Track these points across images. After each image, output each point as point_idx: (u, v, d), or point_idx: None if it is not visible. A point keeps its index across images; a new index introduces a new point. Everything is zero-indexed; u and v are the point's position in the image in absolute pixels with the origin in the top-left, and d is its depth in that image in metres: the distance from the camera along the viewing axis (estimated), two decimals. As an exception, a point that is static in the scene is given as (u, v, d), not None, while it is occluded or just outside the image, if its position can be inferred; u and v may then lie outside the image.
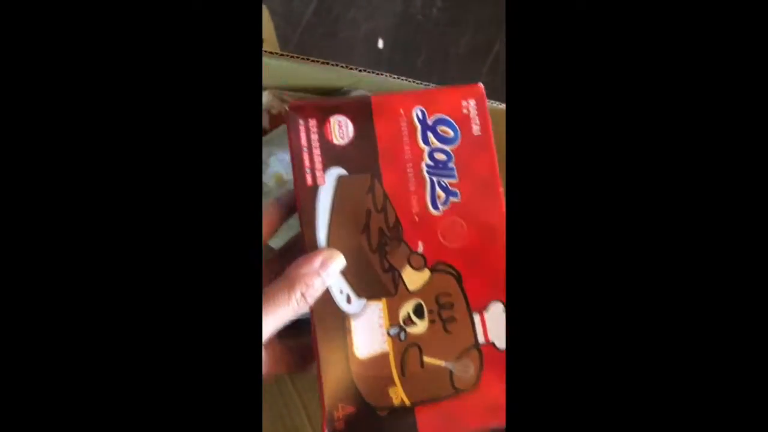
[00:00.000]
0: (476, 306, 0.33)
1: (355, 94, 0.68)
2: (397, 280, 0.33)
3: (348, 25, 0.87)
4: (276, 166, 0.63)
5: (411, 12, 0.94)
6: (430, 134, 0.33)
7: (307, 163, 0.33)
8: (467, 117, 0.33)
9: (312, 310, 0.32)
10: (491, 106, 0.59)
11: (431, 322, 0.33)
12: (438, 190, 0.33)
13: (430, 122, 0.33)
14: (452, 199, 0.33)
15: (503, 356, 0.32)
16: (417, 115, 0.33)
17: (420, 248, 0.33)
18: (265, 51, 0.47)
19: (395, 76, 0.53)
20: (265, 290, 0.31)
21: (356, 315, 0.32)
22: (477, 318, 0.33)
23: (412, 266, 0.33)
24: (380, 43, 0.91)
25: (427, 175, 0.33)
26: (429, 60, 0.96)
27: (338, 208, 0.33)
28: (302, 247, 0.33)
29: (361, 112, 0.33)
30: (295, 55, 0.49)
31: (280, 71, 0.58)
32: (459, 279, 0.33)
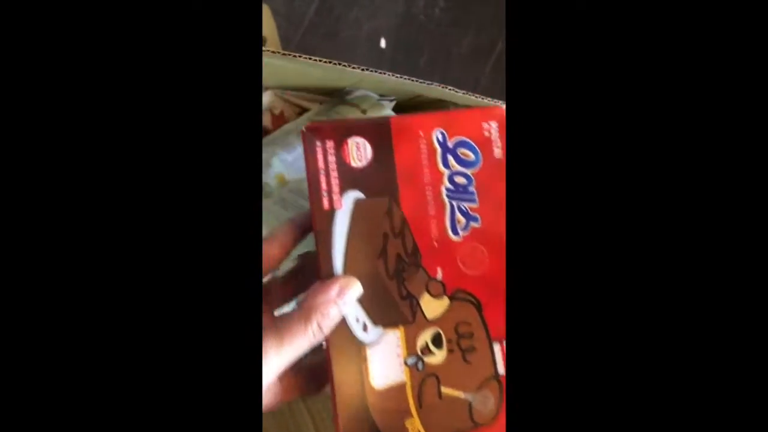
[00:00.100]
0: (496, 335, 0.32)
1: (357, 93, 0.67)
2: (415, 308, 0.32)
3: (350, 24, 0.86)
4: (278, 166, 0.62)
5: (413, 12, 0.92)
6: (450, 157, 0.32)
7: (323, 185, 0.32)
8: (488, 139, 0.32)
9: (327, 338, 0.31)
10: (494, 106, 0.58)
11: (450, 351, 0.32)
12: (458, 214, 0.32)
13: (450, 145, 0.32)
14: (472, 224, 0.32)
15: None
16: (437, 138, 0.32)
17: (439, 275, 0.32)
18: (268, 50, 0.46)
19: (398, 75, 0.52)
20: (280, 320, 0.30)
21: (373, 344, 0.31)
22: (497, 348, 0.32)
23: (430, 293, 0.32)
24: (382, 43, 0.89)
25: (446, 199, 0.32)
26: (431, 60, 0.94)
27: (355, 232, 0.32)
28: (317, 269, 0.32)
29: (380, 134, 0.32)
30: (297, 54, 0.48)
31: (282, 71, 0.57)
32: (479, 307, 0.32)
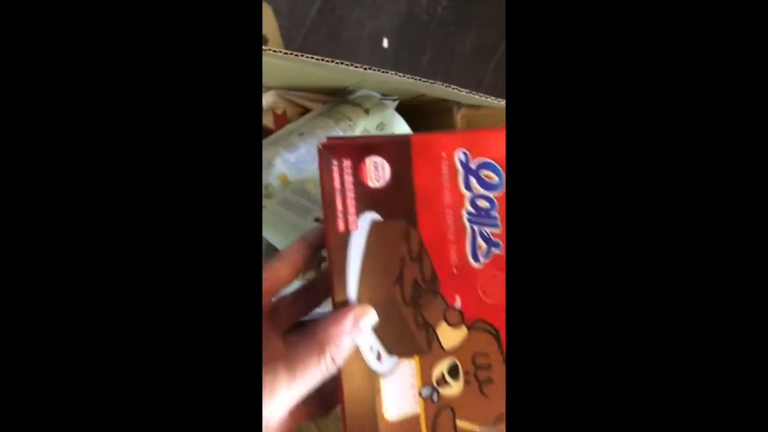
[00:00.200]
0: None
1: (360, 93, 0.65)
2: (432, 337, 0.30)
3: (352, 24, 0.84)
4: (281, 166, 0.61)
5: (416, 11, 0.91)
6: (472, 179, 0.30)
7: (339, 206, 0.30)
8: None
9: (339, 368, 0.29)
10: (496, 104, 0.58)
11: (466, 383, 0.30)
12: (479, 240, 0.30)
13: (473, 166, 0.30)
14: (494, 250, 0.30)
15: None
16: (459, 158, 0.30)
17: (457, 303, 0.30)
18: (270, 50, 0.44)
19: (401, 74, 0.51)
20: (293, 350, 0.28)
21: (387, 374, 0.30)
22: (516, 381, 0.30)
23: (448, 322, 0.30)
24: (385, 43, 0.88)
25: (467, 224, 0.30)
26: (434, 59, 0.93)
27: (371, 256, 0.30)
28: (330, 292, 0.30)
29: (400, 153, 0.30)
30: (299, 53, 0.47)
31: (284, 71, 0.56)
32: (498, 338, 0.30)
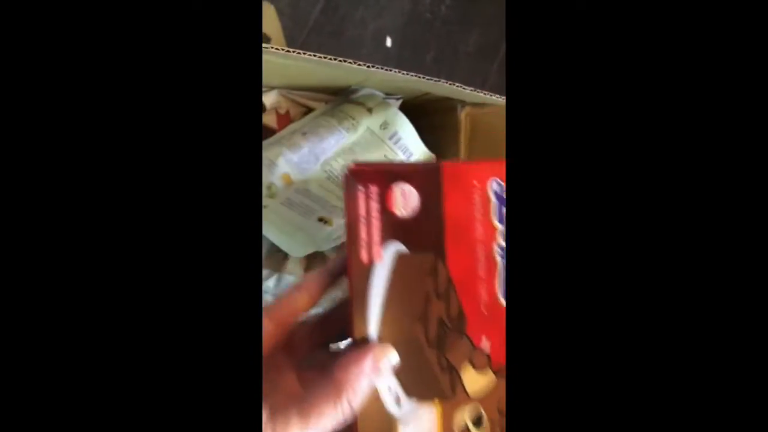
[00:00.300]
0: None
1: (363, 92, 0.64)
2: (455, 381, 0.28)
3: (356, 24, 0.82)
4: (284, 166, 0.60)
5: (419, 10, 0.89)
6: (506, 211, 0.28)
7: (363, 235, 0.27)
8: None
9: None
10: (501, 102, 0.57)
11: (491, 433, 0.28)
12: (510, 277, 0.28)
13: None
14: (526, 290, 0.28)
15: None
16: (493, 188, 0.28)
17: (484, 345, 0.28)
18: (272, 48, 0.42)
19: (404, 72, 0.50)
20: (309, 395, 0.26)
21: (405, 419, 0.28)
22: (544, 432, 0.28)
23: (473, 366, 0.28)
24: (388, 42, 0.86)
25: (499, 259, 0.28)
26: (438, 59, 0.91)
27: (394, 290, 0.28)
28: (349, 327, 0.28)
29: (430, 181, 0.28)
30: (301, 51, 0.45)
31: (287, 70, 0.54)
32: (526, 384, 0.28)
